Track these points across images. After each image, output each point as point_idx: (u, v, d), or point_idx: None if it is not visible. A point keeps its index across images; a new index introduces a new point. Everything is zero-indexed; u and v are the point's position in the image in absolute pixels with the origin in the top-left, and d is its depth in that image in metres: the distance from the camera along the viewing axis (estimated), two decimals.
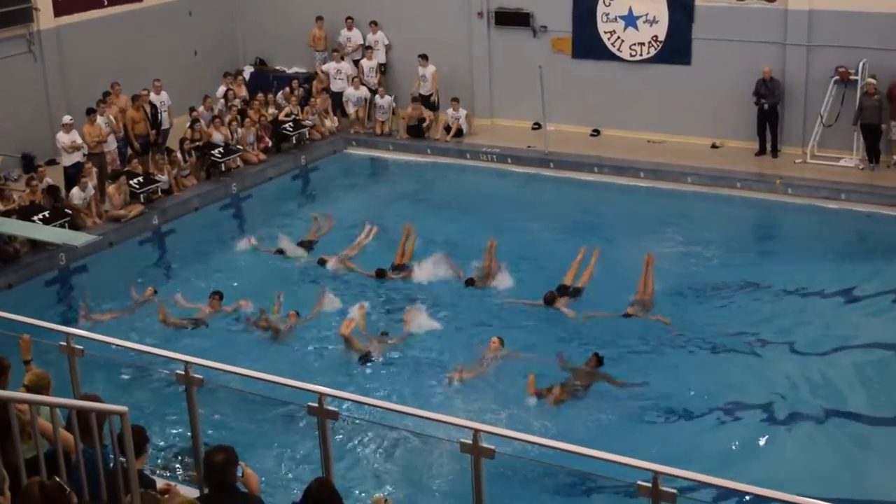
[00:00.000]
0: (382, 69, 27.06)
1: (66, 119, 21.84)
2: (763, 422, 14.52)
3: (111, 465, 7.60)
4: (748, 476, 12.29)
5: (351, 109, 26.31)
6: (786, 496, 7.46)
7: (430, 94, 26.22)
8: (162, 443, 13.63)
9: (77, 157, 21.74)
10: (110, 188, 21.24)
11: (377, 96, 26.20)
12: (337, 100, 26.72)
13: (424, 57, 26.09)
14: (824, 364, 15.85)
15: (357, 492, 12.44)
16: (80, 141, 21.78)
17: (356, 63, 26.99)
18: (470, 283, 18.58)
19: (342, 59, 26.87)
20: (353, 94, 26.28)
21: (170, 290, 18.83)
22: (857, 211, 21.26)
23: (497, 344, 15.99)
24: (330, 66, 26.90)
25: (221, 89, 25.65)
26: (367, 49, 26.90)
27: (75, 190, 20.78)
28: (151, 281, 19.25)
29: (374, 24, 27.05)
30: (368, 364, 16.04)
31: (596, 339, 16.52)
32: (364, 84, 26.43)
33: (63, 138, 21.61)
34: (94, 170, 21.37)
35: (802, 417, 14.50)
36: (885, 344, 16.20)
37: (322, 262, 19.58)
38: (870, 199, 21.32)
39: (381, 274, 18.91)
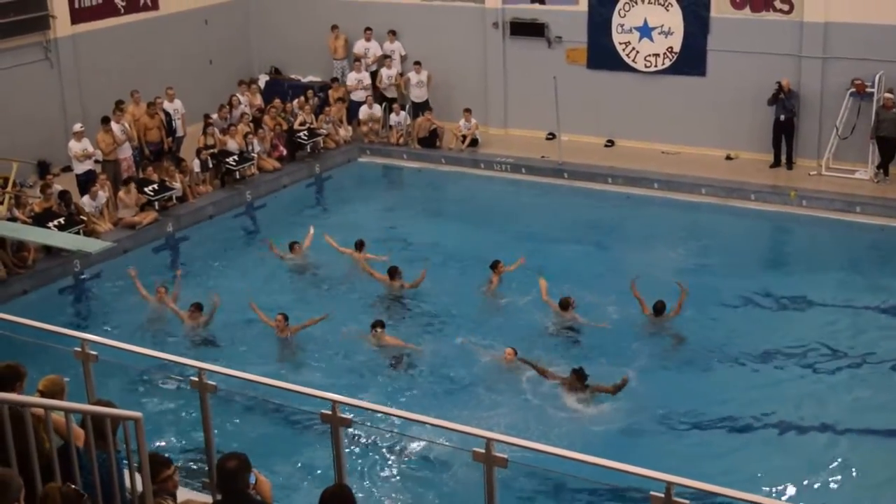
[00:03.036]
0: (400, 77, 27.09)
1: (77, 127, 21.94)
2: (777, 434, 14.47)
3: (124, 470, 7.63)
4: (761, 489, 12.30)
5: (364, 127, 26.36)
6: None
7: (426, 100, 26.43)
8: (177, 445, 13.65)
9: (89, 165, 21.85)
10: (121, 192, 21.33)
11: (392, 114, 26.24)
12: (356, 109, 26.77)
13: (418, 63, 26.25)
14: (837, 377, 15.82)
15: (370, 500, 12.44)
16: (91, 149, 21.88)
17: (374, 74, 27.05)
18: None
19: (363, 69, 26.92)
20: (366, 112, 26.33)
21: (182, 296, 18.84)
22: (872, 224, 21.20)
23: (511, 355, 15.99)
24: (351, 77, 26.97)
25: (245, 98, 25.73)
26: (385, 58, 26.96)
27: (85, 198, 20.87)
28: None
29: (391, 33, 27.12)
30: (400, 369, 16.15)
31: (606, 350, 16.52)
32: (381, 99, 26.48)
33: (74, 146, 21.72)
34: (108, 182, 21.43)
35: (816, 431, 14.46)
36: None
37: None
38: (884, 211, 21.27)
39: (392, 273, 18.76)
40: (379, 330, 16.68)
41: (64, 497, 6.68)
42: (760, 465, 13.65)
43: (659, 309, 17.08)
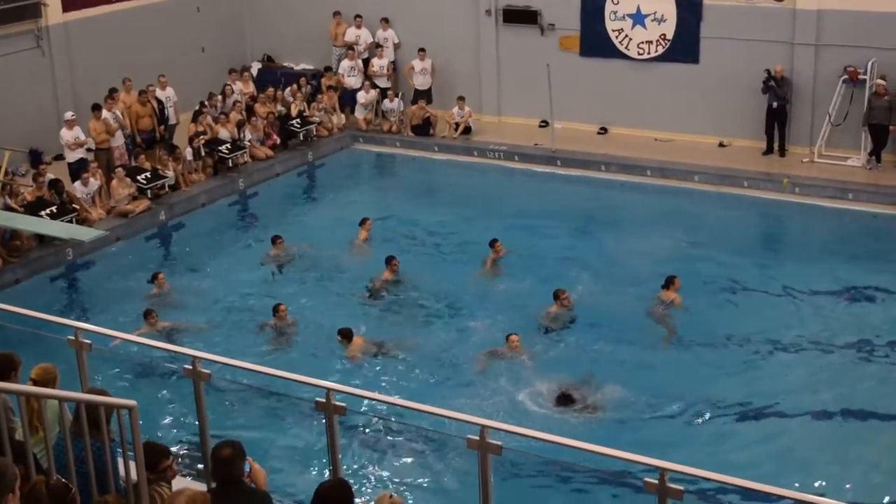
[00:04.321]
0: (393, 66, 27.04)
1: (69, 115, 21.88)
2: (768, 421, 14.53)
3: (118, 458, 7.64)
4: (754, 473, 12.32)
5: (360, 114, 26.29)
6: (792, 493, 7.48)
7: (429, 88, 26.33)
8: (171, 433, 13.66)
9: (80, 154, 21.79)
10: (113, 181, 21.29)
11: (386, 100, 26.19)
12: (351, 97, 26.70)
13: (423, 50, 26.17)
14: (829, 363, 15.87)
15: (363, 488, 12.46)
16: (83, 137, 21.84)
17: (366, 62, 26.99)
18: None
19: (356, 57, 26.85)
20: (362, 97, 26.24)
21: (174, 284, 18.82)
22: (864, 211, 21.24)
23: (516, 342, 15.96)
24: (344, 65, 26.91)
25: (238, 86, 25.68)
26: (377, 48, 26.88)
27: (77, 184, 20.83)
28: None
29: (384, 20, 27.04)
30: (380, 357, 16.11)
31: (600, 335, 16.56)
32: (375, 86, 26.41)
33: (66, 135, 21.67)
34: (100, 170, 21.39)
35: (810, 417, 14.51)
36: (891, 344, 16.19)
37: None
38: (876, 198, 21.30)
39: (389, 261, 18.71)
40: (339, 338, 16.25)
41: (51, 490, 6.66)
42: (753, 451, 13.70)
43: (669, 281, 17.27)
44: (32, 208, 19.56)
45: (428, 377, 15.73)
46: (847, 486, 12.96)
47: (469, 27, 26.49)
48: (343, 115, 26.59)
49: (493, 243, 19.16)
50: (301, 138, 25.21)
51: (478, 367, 15.86)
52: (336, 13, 27.51)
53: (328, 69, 27.26)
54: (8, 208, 19.40)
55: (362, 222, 20.44)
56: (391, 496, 7.69)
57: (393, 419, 13.39)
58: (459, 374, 15.74)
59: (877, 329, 16.70)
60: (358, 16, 27.15)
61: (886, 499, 12.78)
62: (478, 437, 8.18)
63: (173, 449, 11.62)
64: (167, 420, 14.14)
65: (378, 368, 15.96)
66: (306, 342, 16.82)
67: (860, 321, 17.03)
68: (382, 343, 16.42)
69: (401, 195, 23.82)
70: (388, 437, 13.87)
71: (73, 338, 9.89)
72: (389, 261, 18.56)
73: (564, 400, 14.73)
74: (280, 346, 16.66)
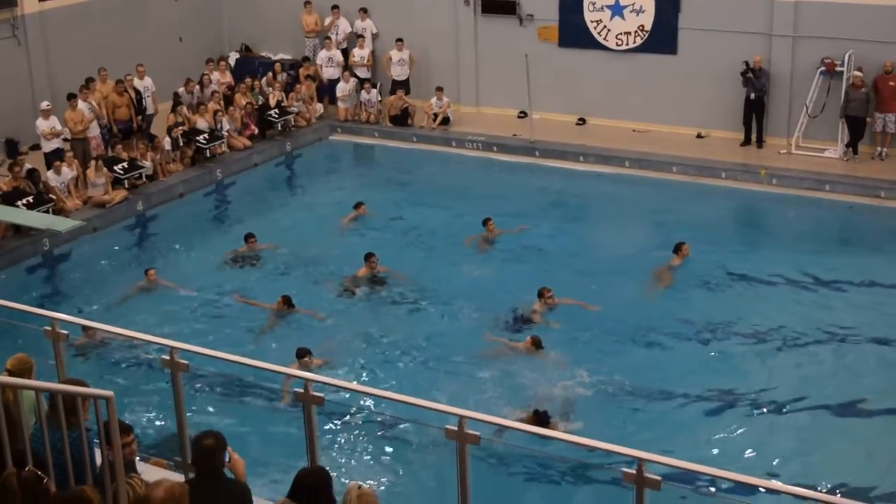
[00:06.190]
0: (372, 56, 26.94)
1: (44, 105, 21.75)
2: (745, 411, 14.61)
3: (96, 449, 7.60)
4: (732, 464, 12.40)
5: (341, 106, 26.20)
6: (767, 483, 7.52)
7: (407, 78, 26.28)
8: (148, 423, 13.64)
9: (57, 143, 21.66)
10: (89, 170, 21.17)
11: (363, 91, 26.11)
12: (328, 87, 26.62)
13: (401, 41, 26.10)
14: (804, 354, 15.96)
15: (342, 478, 12.45)
16: (59, 127, 21.71)
17: (345, 53, 26.90)
18: None
19: (333, 47, 26.74)
20: (344, 87, 26.14)
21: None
22: (841, 202, 21.33)
23: (529, 344, 15.84)
24: (322, 55, 26.82)
25: (216, 76, 25.55)
26: (358, 38, 26.78)
27: (50, 173, 20.68)
28: (139, 266, 19.19)
29: (363, 10, 26.95)
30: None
31: (578, 328, 16.58)
32: (354, 75, 26.33)
33: (42, 125, 21.53)
34: (75, 159, 21.26)
35: (784, 407, 14.59)
36: (866, 334, 16.29)
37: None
38: (853, 189, 21.41)
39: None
40: (307, 359, 15.08)
41: (22, 482, 6.61)
42: (733, 442, 13.76)
43: (677, 247, 18.33)
44: (8, 198, 19.44)
45: (410, 368, 15.73)
46: (826, 475, 13.03)
47: (447, 17, 26.43)
48: (321, 106, 26.52)
49: (486, 222, 19.64)
50: (279, 128, 25.13)
51: (487, 356, 15.86)
52: (307, 2, 27.39)
53: (306, 59, 27.17)
54: None
55: (357, 206, 20.96)
56: (360, 486, 7.66)
57: (372, 409, 13.40)
58: (442, 365, 15.74)
59: (852, 319, 16.79)
60: (335, 6, 27.06)
61: (871, 486, 12.89)
62: (456, 428, 8.18)
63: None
64: (144, 410, 14.07)
65: (359, 360, 15.93)
66: (285, 333, 16.79)
67: (835, 311, 17.12)
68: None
69: (378, 186, 23.78)
70: (367, 428, 13.86)
71: (49, 328, 9.84)
72: (368, 257, 18.47)
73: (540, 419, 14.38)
74: (261, 335, 16.62)
